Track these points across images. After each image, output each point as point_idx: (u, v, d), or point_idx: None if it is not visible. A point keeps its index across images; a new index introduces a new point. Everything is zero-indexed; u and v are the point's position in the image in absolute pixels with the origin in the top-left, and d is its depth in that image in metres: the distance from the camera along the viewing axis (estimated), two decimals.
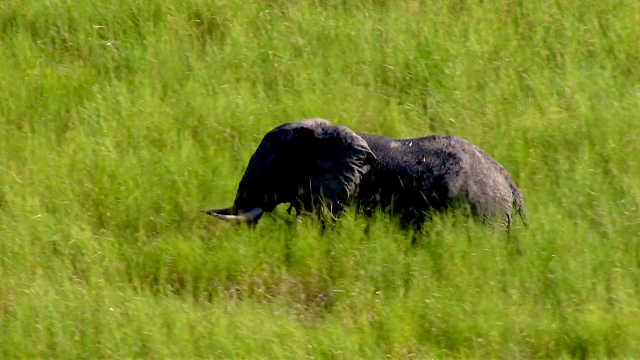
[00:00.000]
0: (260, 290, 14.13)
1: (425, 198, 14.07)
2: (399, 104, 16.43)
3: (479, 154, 14.20)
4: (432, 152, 13.99)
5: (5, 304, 13.63)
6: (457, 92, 17.10)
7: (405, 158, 13.98)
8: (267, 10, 17.57)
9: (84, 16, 16.73)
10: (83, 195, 15.32)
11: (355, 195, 14.56)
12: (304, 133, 14.18)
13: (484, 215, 13.86)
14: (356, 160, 14.11)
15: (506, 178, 14.17)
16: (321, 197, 14.55)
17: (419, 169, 13.90)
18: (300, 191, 14.68)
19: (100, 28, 16.45)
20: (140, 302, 13.68)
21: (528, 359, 12.90)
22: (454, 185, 13.74)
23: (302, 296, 14.13)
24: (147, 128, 16.12)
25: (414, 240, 14.22)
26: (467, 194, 13.67)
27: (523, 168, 16.51)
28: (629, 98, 18.01)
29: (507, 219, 14.21)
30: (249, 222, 14.60)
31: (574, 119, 18.02)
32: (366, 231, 14.60)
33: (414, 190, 14.05)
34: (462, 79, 17.46)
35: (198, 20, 16.88)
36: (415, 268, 14.26)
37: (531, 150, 16.52)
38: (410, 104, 16.48)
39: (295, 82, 17.01)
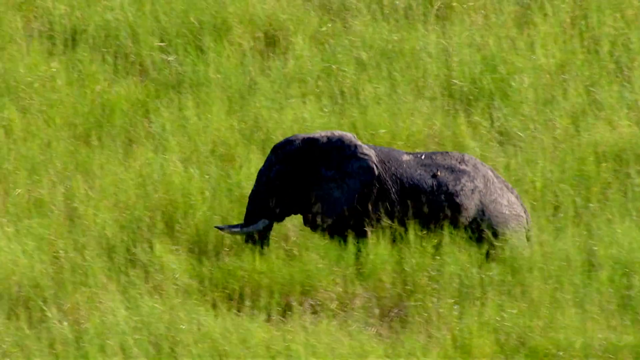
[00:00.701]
0: (334, 305, 13.87)
1: (441, 214, 13.93)
2: (467, 118, 16.35)
3: (491, 174, 14.24)
4: (445, 167, 14.01)
5: (77, 319, 13.68)
6: (524, 106, 16.88)
7: (418, 171, 13.99)
8: (329, 25, 17.54)
9: (146, 31, 16.81)
10: (153, 209, 15.06)
11: (367, 205, 14.21)
12: (309, 142, 14.15)
13: (503, 232, 13.87)
14: (358, 169, 14.08)
15: (517, 198, 14.24)
16: (324, 206, 14.50)
17: (433, 183, 13.94)
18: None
19: (162, 44, 16.54)
20: (215, 318, 13.54)
21: None
22: (470, 205, 13.83)
23: (376, 311, 13.87)
24: (214, 143, 16.10)
25: (487, 254, 14.18)
26: (483, 213, 13.75)
27: (595, 183, 16.20)
28: None
29: (524, 234, 14.32)
30: (259, 235, 14.36)
31: None
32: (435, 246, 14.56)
33: (428, 203, 14.04)
34: (529, 92, 17.28)
35: (260, 35, 16.97)
36: (489, 282, 14.22)
37: (602, 164, 16.21)
38: (477, 117, 16.22)
39: (360, 96, 17.00)
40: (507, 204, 13.85)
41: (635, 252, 14.44)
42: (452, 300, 13.96)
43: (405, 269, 14.20)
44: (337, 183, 14.42)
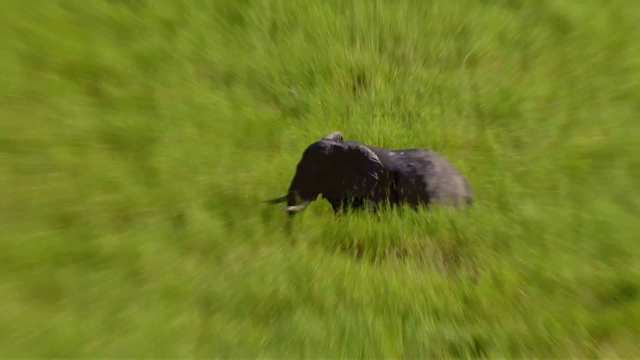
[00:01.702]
0: (411, 251, 13.76)
1: (412, 188, 13.95)
2: (491, 129, 16.29)
3: (446, 163, 14.15)
4: (416, 159, 14.01)
5: (247, 262, 13.37)
6: (529, 121, 16.14)
7: (399, 162, 13.99)
8: (397, 68, 17.32)
9: (277, 72, 16.94)
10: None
11: (370, 191, 14.26)
12: (336, 148, 13.99)
13: (446, 201, 13.90)
14: (371, 168, 13.91)
15: (463, 180, 14.13)
16: (346, 193, 14.33)
17: (408, 169, 13.95)
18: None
19: (288, 82, 16.62)
20: (337, 262, 13.39)
21: None
22: (430, 182, 13.80)
23: (440, 256, 13.69)
24: None
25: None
26: (438, 188, 13.80)
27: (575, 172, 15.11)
28: None
29: (457, 205, 14.21)
30: (298, 211, 14.17)
31: None
32: None
33: (405, 182, 14.02)
34: (531, 113, 16.31)
35: (352, 75, 16.88)
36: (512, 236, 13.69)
37: (582, 160, 15.27)
38: (498, 129, 16.29)
39: (420, 116, 16.40)
40: (453, 184, 13.93)
41: None
42: (489, 248, 13.53)
43: (457, 227, 13.87)
44: (355, 177, 14.24)
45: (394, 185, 14.21)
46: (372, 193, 14.32)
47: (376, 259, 13.42)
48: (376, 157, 13.94)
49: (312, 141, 15.08)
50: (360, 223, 13.88)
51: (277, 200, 14.07)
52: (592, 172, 14.76)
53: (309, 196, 14.19)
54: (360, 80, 16.58)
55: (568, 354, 11.75)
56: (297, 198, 14.24)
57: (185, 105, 15.61)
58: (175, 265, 13.09)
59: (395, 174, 14.15)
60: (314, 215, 14.17)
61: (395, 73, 16.66)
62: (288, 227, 14.03)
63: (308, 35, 17.00)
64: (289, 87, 16.41)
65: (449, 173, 14.13)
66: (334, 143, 14.13)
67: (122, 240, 13.42)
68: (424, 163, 14.04)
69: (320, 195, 14.54)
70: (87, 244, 13.29)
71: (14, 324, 11.82)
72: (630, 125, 15.52)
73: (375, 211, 14.19)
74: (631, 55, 17.09)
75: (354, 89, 16.37)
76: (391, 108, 15.86)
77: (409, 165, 14.05)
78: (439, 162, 14.08)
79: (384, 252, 13.57)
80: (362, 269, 13.10)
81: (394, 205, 14.25)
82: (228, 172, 14.59)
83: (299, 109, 15.88)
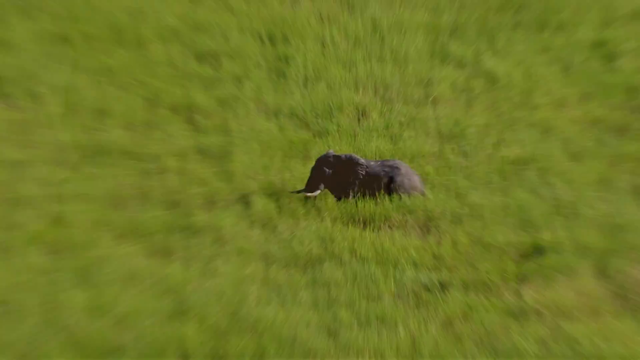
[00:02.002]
0: (398, 225, 13.03)
1: (384, 183, 13.07)
2: None
3: (408, 167, 13.34)
4: (387, 165, 13.33)
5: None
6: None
7: (377, 169, 13.23)
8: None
9: (309, 107, 16.10)
10: None
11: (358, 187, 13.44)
12: (336, 157, 13.23)
13: (408, 192, 13.09)
14: (359, 170, 13.22)
15: (419, 178, 13.30)
16: (342, 186, 13.46)
17: (383, 172, 13.23)
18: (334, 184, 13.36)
19: (315, 113, 15.83)
20: (350, 232, 12.78)
21: None
22: (397, 179, 13.06)
23: (417, 228, 12.95)
24: None
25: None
26: (403, 183, 13.09)
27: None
28: None
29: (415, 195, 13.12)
30: (314, 197, 13.24)
31: None
32: None
33: (378, 180, 13.28)
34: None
35: (357, 109, 16.26)
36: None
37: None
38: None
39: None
40: (411, 180, 13.17)
41: None
42: (449, 222, 12.86)
43: (427, 209, 13.08)
44: (348, 176, 13.44)
45: (372, 181, 13.51)
46: (357, 187, 13.59)
47: (375, 229, 12.94)
48: (363, 161, 13.28)
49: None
50: (364, 206, 13.32)
51: (299, 191, 13.33)
52: (514, 173, 14.00)
53: (318, 188, 13.49)
54: (362, 113, 15.98)
55: (501, 290, 11.29)
56: (312, 189, 13.45)
57: (249, 130, 15.11)
58: (245, 234, 12.70)
59: (374, 174, 13.43)
60: (335, 202, 13.56)
61: (385, 109, 16.02)
62: (318, 209, 13.51)
63: (328, 84, 16.36)
64: (316, 118, 15.77)
65: (410, 174, 13.40)
66: (334, 154, 13.47)
67: (210, 217, 13.04)
68: (394, 168, 13.41)
69: (325, 188, 13.78)
70: (188, 219, 12.91)
71: (142, 272, 11.60)
72: (538, 143, 14.83)
73: (354, 197, 13.45)
74: (537, 97, 16.62)
75: (358, 119, 15.81)
76: (383, 132, 15.30)
77: (384, 170, 13.41)
78: (403, 167, 13.36)
79: (380, 225, 13.05)
80: (367, 236, 12.72)
81: (379, 194, 13.53)
82: (278, 173, 14.12)
83: (322, 132, 15.29)
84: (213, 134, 15.36)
